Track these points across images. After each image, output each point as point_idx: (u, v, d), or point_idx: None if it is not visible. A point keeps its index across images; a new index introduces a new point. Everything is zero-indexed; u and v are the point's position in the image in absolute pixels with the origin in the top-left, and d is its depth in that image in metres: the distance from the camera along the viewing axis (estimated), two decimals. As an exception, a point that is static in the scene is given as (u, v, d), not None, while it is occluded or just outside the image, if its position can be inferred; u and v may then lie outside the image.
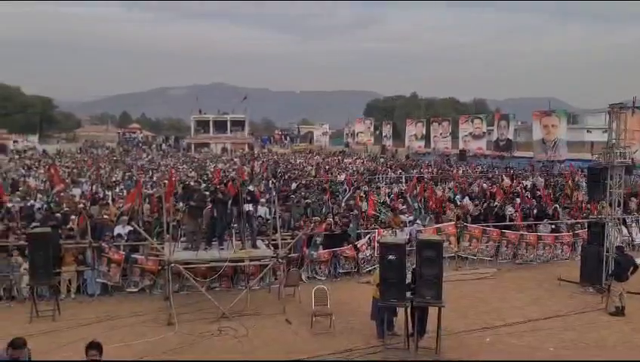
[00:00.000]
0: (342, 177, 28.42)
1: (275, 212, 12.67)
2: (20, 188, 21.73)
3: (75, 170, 31.60)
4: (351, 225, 14.41)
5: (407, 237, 13.87)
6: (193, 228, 11.77)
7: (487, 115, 51.49)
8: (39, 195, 17.76)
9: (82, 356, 6.27)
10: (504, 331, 10.09)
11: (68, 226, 13.54)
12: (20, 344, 6.22)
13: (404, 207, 17.12)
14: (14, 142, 62.37)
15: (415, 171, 32.50)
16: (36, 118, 74.44)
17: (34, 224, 13.77)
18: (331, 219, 14.94)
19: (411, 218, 15.66)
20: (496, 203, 18.10)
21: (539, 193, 20.85)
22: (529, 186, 24.25)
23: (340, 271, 13.79)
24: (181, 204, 15.36)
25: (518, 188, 22.30)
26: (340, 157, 49.25)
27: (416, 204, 16.35)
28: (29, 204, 16.86)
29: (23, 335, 6.65)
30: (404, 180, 28.45)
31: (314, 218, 15.31)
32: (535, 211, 17.45)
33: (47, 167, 30.83)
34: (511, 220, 16.48)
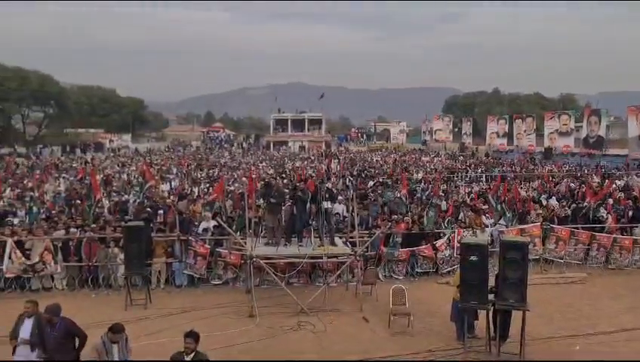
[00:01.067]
0: (419, 175, 28.00)
1: (352, 210, 12.73)
2: (115, 184, 23.42)
3: (163, 167, 33.40)
4: (430, 213, 14.14)
5: (489, 238, 13.44)
6: (273, 224, 12.09)
7: (576, 111, 48.57)
8: (135, 189, 18.99)
9: (171, 343, 6.69)
10: (595, 339, 9.53)
11: (158, 220, 14.38)
12: (118, 329, 6.74)
13: (486, 207, 16.56)
14: (110, 140, 67.23)
15: (497, 170, 31.33)
16: (129, 118, 79.73)
17: (127, 217, 14.81)
18: (409, 218, 14.77)
19: (492, 220, 15.13)
20: (585, 203, 17.07)
21: (634, 193, 19.39)
22: (622, 186, 22.62)
23: (418, 270, 13.62)
24: (261, 201, 15.84)
25: (610, 188, 20.86)
26: (417, 155, 48.49)
27: (499, 206, 15.74)
28: (123, 198, 18.10)
29: (120, 321, 7.19)
30: (484, 179, 27.53)
31: (392, 216, 15.21)
32: (630, 213, 16.26)
33: (140, 163, 32.92)
34: (600, 222, 15.47)
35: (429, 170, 32.83)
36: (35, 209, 15.78)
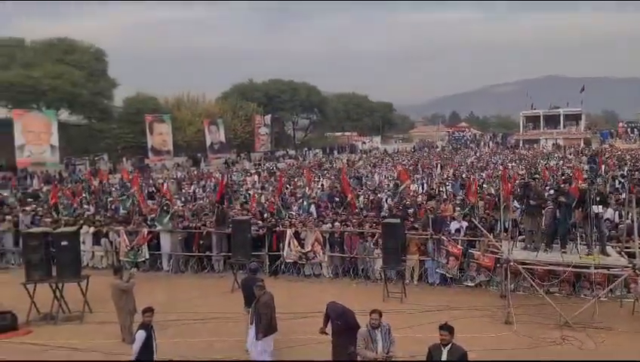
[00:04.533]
0: None
1: (628, 215, 11.12)
2: (369, 183, 25.17)
3: (410, 168, 34.44)
4: None
5: None
6: (531, 227, 11.38)
7: None
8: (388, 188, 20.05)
9: (428, 338, 6.89)
10: None
11: (413, 219, 14.91)
12: (377, 315, 7.24)
13: None
14: (362, 143, 72.83)
15: None
16: (379, 121, 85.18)
17: (383, 214, 15.76)
18: None
19: None
20: None
21: None
22: None
23: None
24: (515, 203, 15.05)
25: None
26: None
27: None
28: (378, 196, 19.34)
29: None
30: None
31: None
32: None
33: (389, 164, 34.75)
34: None
35: None
36: (305, 204, 18.00)
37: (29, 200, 22.32)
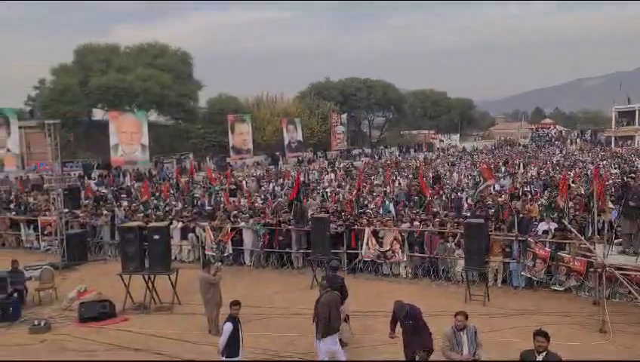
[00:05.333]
0: None
1: None
2: (448, 182, 24.58)
3: (492, 166, 33.24)
4: None
5: None
6: (630, 230, 10.58)
7: None
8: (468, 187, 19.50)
9: (514, 343, 6.62)
10: None
11: (495, 219, 14.39)
12: (463, 317, 7.07)
13: None
14: (440, 140, 71.29)
15: None
16: (458, 118, 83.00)
17: (464, 214, 15.34)
18: None
19: None
20: None
21: None
22: None
23: None
24: (610, 204, 14.16)
25: None
26: None
27: None
28: (458, 195, 18.86)
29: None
30: None
31: None
32: None
33: (473, 163, 33.86)
34: None
35: None
36: (386, 203, 17.88)
37: (123, 196, 23.87)
